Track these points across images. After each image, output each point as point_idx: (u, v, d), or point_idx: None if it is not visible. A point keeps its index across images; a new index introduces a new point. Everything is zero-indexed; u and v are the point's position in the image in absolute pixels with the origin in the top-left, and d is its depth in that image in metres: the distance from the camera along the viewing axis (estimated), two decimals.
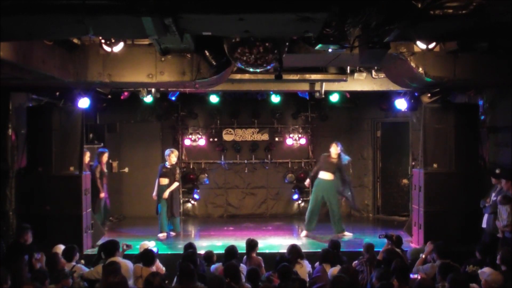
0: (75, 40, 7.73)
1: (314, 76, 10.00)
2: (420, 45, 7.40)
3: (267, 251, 8.94)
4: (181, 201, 12.91)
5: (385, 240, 7.71)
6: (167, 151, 10.71)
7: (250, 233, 10.69)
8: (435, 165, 9.54)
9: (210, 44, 7.55)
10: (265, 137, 13.41)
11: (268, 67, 7.12)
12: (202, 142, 13.17)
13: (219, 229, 11.58)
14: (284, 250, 7.64)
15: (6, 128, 8.77)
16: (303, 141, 13.37)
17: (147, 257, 6.83)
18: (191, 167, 13.37)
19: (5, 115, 8.76)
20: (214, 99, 12.05)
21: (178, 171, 10.83)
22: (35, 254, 6.86)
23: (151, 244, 7.89)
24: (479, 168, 9.72)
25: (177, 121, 13.28)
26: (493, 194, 8.43)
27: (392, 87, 9.99)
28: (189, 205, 13.45)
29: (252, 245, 7.61)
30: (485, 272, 5.82)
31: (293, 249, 7.35)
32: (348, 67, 9.82)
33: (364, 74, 10.16)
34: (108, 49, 7.53)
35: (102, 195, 10.66)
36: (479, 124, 9.89)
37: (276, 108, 13.06)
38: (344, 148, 13.35)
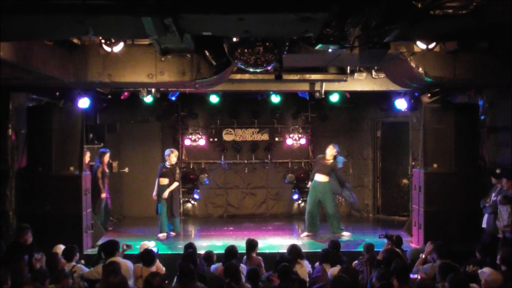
0: (75, 40, 7.73)
1: (314, 76, 9.99)
2: (420, 45, 7.39)
3: (267, 251, 8.94)
4: (181, 201, 12.91)
5: (385, 240, 7.71)
6: (167, 151, 10.71)
7: (250, 233, 10.69)
8: (435, 165, 9.53)
9: (210, 44, 7.55)
10: (265, 137, 13.41)
11: (268, 67, 7.13)
12: (202, 142, 13.17)
13: (219, 229, 11.58)
14: (284, 250, 7.64)
15: (6, 128, 8.77)
16: (303, 141, 13.37)
17: (147, 257, 6.83)
18: (191, 167, 13.36)
19: (5, 115, 8.76)
20: (214, 99, 12.05)
21: (178, 171, 10.82)
22: (35, 254, 6.84)
23: (151, 244, 7.89)
24: (479, 168, 9.72)
25: (177, 121, 13.28)
26: (493, 194, 8.44)
27: (392, 87, 9.99)
28: (189, 205, 13.45)
29: (252, 245, 7.61)
30: (485, 272, 5.82)
31: (293, 249, 7.35)
32: (348, 67, 9.82)
33: (364, 74, 10.15)
34: (108, 49, 7.52)
35: (104, 195, 10.66)
36: (479, 124, 9.89)
37: (276, 108, 13.05)
38: (344, 148, 13.43)
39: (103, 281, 6.04)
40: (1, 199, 8.64)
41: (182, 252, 7.59)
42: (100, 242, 8.91)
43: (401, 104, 11.13)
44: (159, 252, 7.89)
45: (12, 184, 8.81)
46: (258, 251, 7.77)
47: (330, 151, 10.54)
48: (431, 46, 7.47)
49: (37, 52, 6.89)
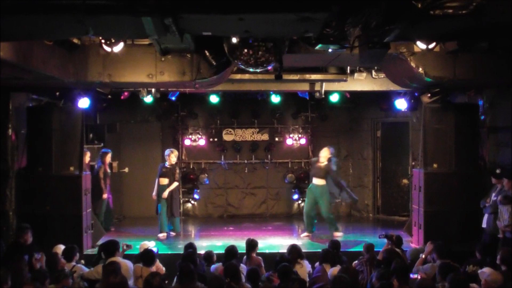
0: (75, 40, 7.73)
1: (314, 76, 9.99)
2: (420, 45, 7.39)
3: (267, 251, 8.94)
4: (181, 201, 12.91)
5: (385, 240, 7.71)
6: (167, 151, 10.71)
7: (250, 233, 10.68)
8: (435, 165, 9.53)
9: (210, 44, 7.55)
10: (265, 137, 13.41)
11: (268, 67, 7.13)
12: (202, 142, 13.16)
13: (219, 229, 11.58)
14: (284, 250, 7.64)
15: (6, 128, 8.77)
16: (303, 141, 13.36)
17: (147, 257, 6.83)
18: (191, 167, 13.36)
19: (5, 115, 8.76)
20: (214, 99, 12.05)
21: (177, 171, 10.82)
22: (35, 254, 6.84)
23: (151, 244, 7.89)
24: (479, 168, 9.71)
25: (177, 121, 13.28)
26: (493, 194, 8.43)
27: (392, 87, 9.99)
28: (189, 205, 13.45)
29: (252, 245, 7.61)
30: (485, 272, 5.82)
31: (293, 249, 7.34)
32: (348, 67, 9.81)
33: (364, 74, 10.15)
34: (108, 49, 7.52)
35: (105, 195, 10.67)
36: (479, 124, 9.89)
37: (276, 108, 13.05)
38: (344, 148, 13.46)
39: (103, 281, 6.04)
40: (1, 199, 8.64)
41: (182, 252, 7.59)
42: (100, 242, 8.91)
43: (401, 104, 11.13)
44: (159, 252, 7.89)
45: (12, 184, 8.80)
46: (258, 251, 7.77)
47: (324, 154, 10.48)
48: (431, 46, 7.47)
49: (37, 52, 6.89)
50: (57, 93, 9.58)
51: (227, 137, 13.38)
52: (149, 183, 11.22)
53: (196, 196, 13.26)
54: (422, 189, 9.49)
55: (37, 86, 8.84)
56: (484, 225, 8.56)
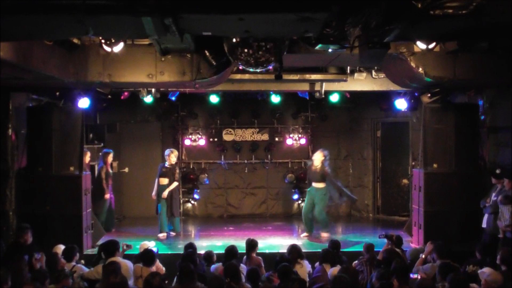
0: (75, 40, 7.73)
1: (314, 76, 9.99)
2: (420, 45, 7.39)
3: (267, 251, 8.95)
4: (181, 201, 12.91)
5: (385, 240, 7.71)
6: (167, 151, 10.72)
7: (250, 233, 10.69)
8: (435, 165, 9.53)
9: (210, 44, 7.55)
10: (265, 137, 13.41)
11: (268, 67, 7.13)
12: (202, 142, 13.16)
13: (219, 229, 11.58)
14: (284, 250, 7.64)
15: (6, 128, 8.77)
16: (303, 141, 13.36)
17: (147, 257, 6.83)
18: (191, 167, 13.37)
19: (5, 115, 8.76)
20: (214, 99, 12.05)
21: (177, 171, 10.82)
22: (35, 254, 6.84)
23: (151, 244, 7.89)
24: (479, 168, 9.72)
25: (177, 121, 13.28)
26: (493, 194, 8.44)
27: (392, 87, 9.99)
28: (189, 205, 13.45)
29: (252, 245, 7.61)
30: (485, 272, 5.82)
31: (293, 249, 7.34)
32: (348, 67, 9.81)
33: (364, 74, 10.15)
34: (108, 49, 7.52)
35: (107, 196, 10.67)
36: (479, 124, 9.89)
37: (276, 108, 13.05)
38: (344, 148, 13.45)
39: (103, 281, 6.04)
40: (1, 199, 8.64)
41: (182, 252, 7.59)
42: (100, 242, 8.91)
43: (401, 104, 11.13)
44: (159, 252, 7.89)
45: (12, 184, 8.80)
46: (258, 251, 7.77)
47: (317, 156, 10.45)
48: (431, 46, 7.48)
49: (37, 52, 6.89)
50: (57, 93, 9.58)
51: (227, 137, 13.38)
52: (149, 183, 11.22)
53: (196, 196, 13.26)
54: (422, 189, 9.49)
55: (37, 86, 8.84)
56: (484, 225, 8.57)
